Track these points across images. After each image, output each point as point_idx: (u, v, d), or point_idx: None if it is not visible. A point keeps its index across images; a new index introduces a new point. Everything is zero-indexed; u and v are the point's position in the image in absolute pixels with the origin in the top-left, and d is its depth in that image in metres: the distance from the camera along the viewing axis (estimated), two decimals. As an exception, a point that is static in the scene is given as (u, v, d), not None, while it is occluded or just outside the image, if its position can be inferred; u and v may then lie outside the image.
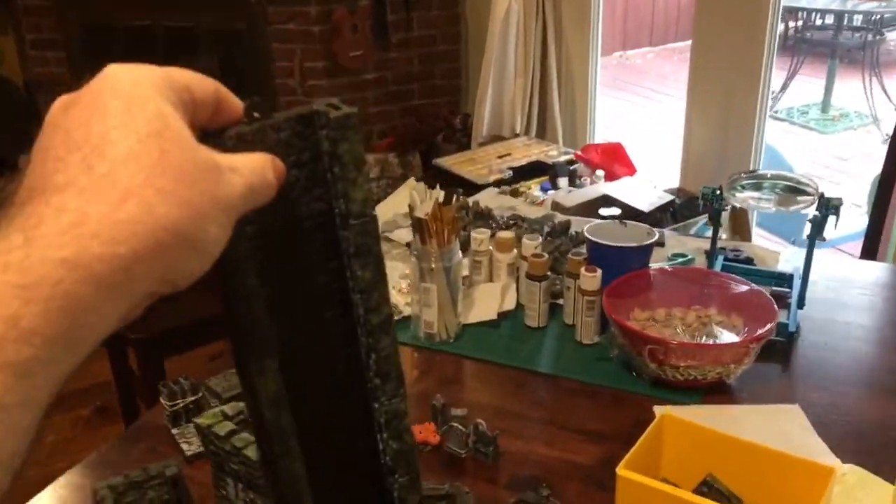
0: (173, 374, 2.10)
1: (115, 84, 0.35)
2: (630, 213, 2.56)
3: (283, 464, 0.48)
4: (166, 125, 0.35)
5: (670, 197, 2.69)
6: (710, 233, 2.52)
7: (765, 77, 2.70)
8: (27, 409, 0.31)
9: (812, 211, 1.17)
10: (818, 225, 1.17)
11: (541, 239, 1.27)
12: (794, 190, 1.16)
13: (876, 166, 4.29)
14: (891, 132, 4.75)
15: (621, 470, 0.82)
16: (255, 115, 0.42)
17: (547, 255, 1.23)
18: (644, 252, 1.21)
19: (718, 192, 1.19)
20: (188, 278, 0.36)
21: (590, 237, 1.21)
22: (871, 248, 1.64)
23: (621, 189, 2.68)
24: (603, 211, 2.53)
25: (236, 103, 0.42)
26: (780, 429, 1.02)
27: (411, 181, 1.70)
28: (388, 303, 0.48)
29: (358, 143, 0.44)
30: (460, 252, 1.20)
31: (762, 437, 1.00)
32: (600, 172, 2.88)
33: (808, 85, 5.31)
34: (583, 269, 1.17)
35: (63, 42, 3.74)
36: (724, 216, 2.67)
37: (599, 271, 1.16)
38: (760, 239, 3.00)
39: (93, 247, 0.32)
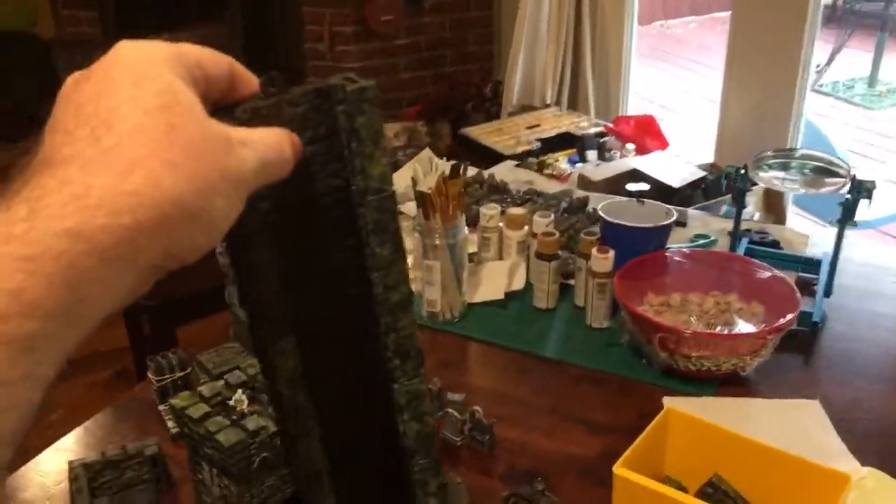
0: (186, 342, 2.08)
1: (126, 59, 0.35)
2: (659, 188, 2.48)
3: (301, 443, 0.48)
4: (175, 99, 0.35)
5: (702, 173, 2.59)
6: (746, 215, 2.44)
7: (806, 50, 2.58)
8: (30, 384, 0.31)
9: (843, 193, 1.09)
10: (849, 209, 1.09)
11: (553, 216, 1.21)
12: (824, 171, 1.08)
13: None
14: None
15: (618, 469, 0.77)
16: (272, 89, 0.42)
17: (558, 234, 1.17)
18: (661, 233, 1.14)
19: (743, 170, 1.12)
20: (195, 253, 0.35)
21: (603, 216, 1.14)
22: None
23: (651, 164, 2.59)
24: (630, 186, 2.44)
25: (251, 78, 0.42)
26: (797, 425, 0.96)
27: (426, 151, 1.64)
28: (407, 281, 0.48)
29: (375, 116, 0.44)
30: (466, 228, 1.14)
31: (778, 434, 0.94)
32: (630, 146, 2.79)
33: (855, 59, 5.12)
34: (594, 250, 1.11)
35: (95, 2, 3.71)
36: (756, 194, 2.59)
37: (612, 252, 1.10)
38: (796, 218, 2.89)
39: (97, 217, 0.31)
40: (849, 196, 1.09)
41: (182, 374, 1.03)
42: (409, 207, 1.46)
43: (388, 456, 0.51)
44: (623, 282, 1.08)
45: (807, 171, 1.08)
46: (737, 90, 2.82)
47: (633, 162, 2.63)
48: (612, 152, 2.80)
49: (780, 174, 1.07)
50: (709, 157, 2.96)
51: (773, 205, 2.55)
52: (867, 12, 5.18)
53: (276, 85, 0.42)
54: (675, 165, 2.63)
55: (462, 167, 1.12)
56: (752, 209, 2.51)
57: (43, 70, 2.99)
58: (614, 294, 1.08)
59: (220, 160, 0.35)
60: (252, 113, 0.41)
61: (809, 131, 2.79)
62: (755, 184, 1.12)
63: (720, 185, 2.56)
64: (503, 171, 1.58)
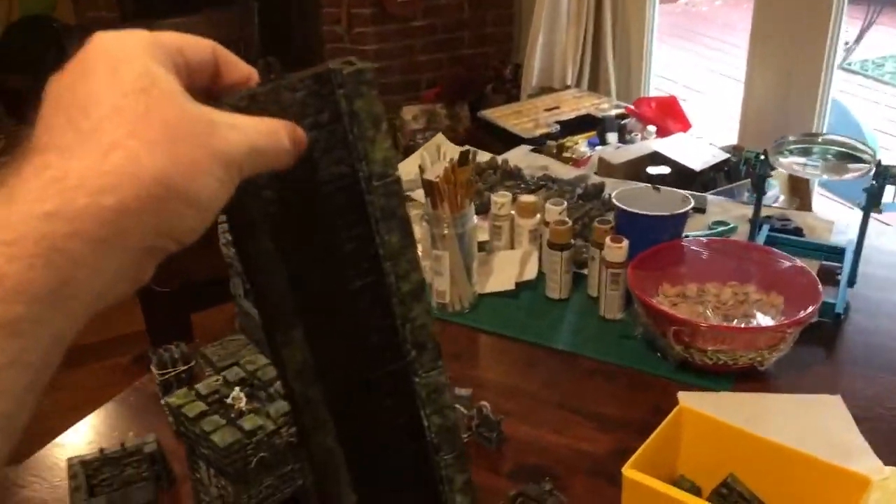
0: (200, 328, 2.08)
1: (103, 48, 0.35)
2: (680, 171, 2.43)
3: (315, 438, 0.47)
4: (153, 82, 0.34)
5: (725, 155, 2.54)
6: (771, 198, 2.38)
7: (834, 26, 2.50)
8: (20, 369, 0.31)
9: (868, 179, 1.05)
10: (874, 195, 1.05)
11: (566, 204, 1.18)
12: (847, 156, 1.04)
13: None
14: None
15: (627, 470, 0.74)
16: (270, 76, 0.41)
17: (570, 223, 1.13)
18: (677, 221, 1.11)
19: (763, 156, 1.07)
20: (189, 234, 0.35)
21: (617, 204, 1.11)
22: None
23: (672, 146, 2.54)
24: (651, 169, 2.40)
25: (237, 63, 0.41)
26: (817, 422, 0.92)
27: (439, 136, 1.61)
28: (419, 269, 0.46)
29: (374, 99, 0.43)
30: (475, 217, 1.11)
31: (797, 430, 0.91)
32: (652, 128, 2.74)
33: (885, 35, 4.99)
34: (608, 239, 1.07)
35: (113, -15, 3.70)
36: (780, 176, 2.52)
37: (626, 242, 1.07)
38: (822, 200, 2.83)
39: (77, 199, 0.31)
40: (874, 182, 1.05)
41: (185, 367, 1.01)
42: (419, 195, 1.43)
43: (412, 452, 0.50)
44: (637, 272, 1.04)
45: (829, 156, 1.03)
46: (761, 69, 2.75)
47: (654, 144, 2.57)
48: (632, 134, 2.75)
49: (802, 160, 1.03)
50: (733, 139, 2.90)
51: (798, 188, 2.48)
52: (898, -12, 5.04)
53: (273, 70, 0.42)
54: (697, 148, 2.57)
55: (471, 154, 1.09)
56: (777, 192, 2.46)
57: (59, 55, 2.99)
58: (628, 285, 1.04)
59: (204, 140, 0.34)
60: (249, 100, 0.40)
61: (837, 111, 2.72)
62: (774, 169, 1.08)
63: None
64: (518, 157, 1.55)
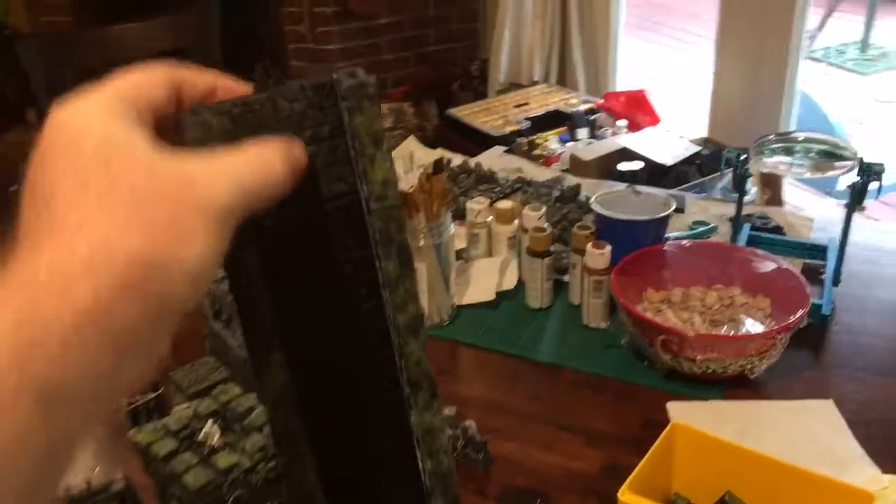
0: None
1: (59, 125, 0.33)
2: (652, 167, 2.42)
3: (293, 470, 0.45)
4: (114, 149, 0.32)
5: (696, 148, 2.53)
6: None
7: (799, 18, 2.50)
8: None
9: (851, 177, 1.03)
10: (858, 193, 1.03)
11: (545, 208, 1.14)
12: (829, 154, 1.01)
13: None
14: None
15: (623, 495, 0.71)
16: (269, 81, 0.40)
17: (550, 229, 1.10)
18: (659, 225, 1.08)
19: (744, 156, 1.05)
20: (188, 301, 0.32)
21: (597, 209, 1.08)
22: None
23: (644, 141, 2.52)
24: (623, 166, 2.38)
25: (200, 77, 0.39)
26: (809, 428, 0.90)
27: (410, 139, 1.57)
28: (417, 300, 0.44)
29: (375, 115, 0.41)
30: (452, 226, 1.08)
31: (791, 439, 0.89)
32: (622, 122, 2.72)
33: (846, 23, 5.04)
34: (589, 245, 1.04)
35: (67, -10, 3.61)
36: (755, 169, 2.52)
37: (608, 248, 1.04)
38: (794, 190, 2.83)
39: (48, 297, 0.28)
40: (858, 178, 1.03)
41: (154, 395, 0.96)
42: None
43: (402, 494, 0.47)
44: (621, 279, 1.01)
45: (812, 154, 1.01)
46: (729, 62, 2.74)
47: (625, 140, 2.56)
48: (603, 129, 2.73)
49: (786, 159, 1.01)
50: (702, 131, 2.89)
51: (769, 181, 2.48)
52: (857, -25, 5.09)
53: (271, 76, 0.40)
54: (668, 142, 2.56)
55: (446, 161, 1.05)
56: (749, 184, 2.45)
57: (10, 63, 2.90)
58: (611, 292, 1.01)
59: (181, 197, 0.32)
60: (242, 107, 0.38)
61: (803, 101, 2.72)
62: (757, 170, 1.05)
63: (717, 159, 2.50)
64: (491, 159, 1.51)
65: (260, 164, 0.35)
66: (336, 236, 0.42)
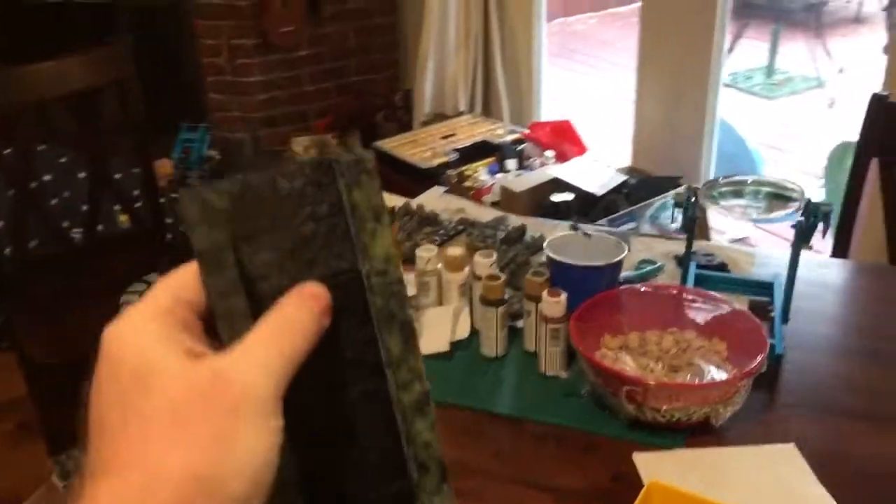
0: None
1: (105, 351, 0.35)
2: (583, 197, 2.44)
3: None
4: (148, 369, 0.33)
5: (623, 177, 2.56)
6: (669, 219, 2.41)
7: (718, 44, 2.57)
8: None
9: (797, 217, 1.04)
10: (803, 232, 1.04)
11: (495, 255, 1.12)
12: (777, 196, 1.03)
13: (824, 132, 4.24)
14: (834, 96, 4.71)
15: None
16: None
17: (503, 276, 1.08)
18: (613, 270, 1.07)
19: (693, 198, 1.05)
20: (253, 495, 0.33)
21: (551, 255, 1.06)
22: (843, 243, 1.52)
23: (572, 171, 2.54)
24: (555, 197, 2.40)
25: None
26: (776, 474, 0.90)
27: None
28: (423, 379, 0.42)
29: (375, 190, 0.41)
30: (404, 278, 1.04)
31: (758, 486, 0.88)
32: (550, 153, 2.74)
33: (752, 49, 5.24)
34: (545, 293, 1.03)
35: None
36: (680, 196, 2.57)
37: (564, 295, 1.02)
38: (714, 214, 2.90)
39: None
40: (801, 219, 1.04)
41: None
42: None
43: None
44: (579, 325, 1.00)
45: (761, 196, 1.02)
46: (650, 89, 2.80)
47: (554, 170, 2.58)
48: (531, 160, 2.74)
49: (741, 202, 1.02)
50: (626, 159, 2.94)
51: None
52: (761, 4, 5.31)
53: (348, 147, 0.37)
54: (596, 171, 2.59)
55: (394, 212, 1.02)
56: (671, 213, 2.49)
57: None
58: (571, 341, 1.00)
59: (219, 403, 0.33)
60: (242, 186, 0.39)
61: (722, 128, 2.79)
62: (706, 212, 1.06)
63: (644, 188, 2.54)
64: (432, 200, 1.49)
65: (289, 334, 0.36)
66: (337, 315, 0.40)
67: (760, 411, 0.99)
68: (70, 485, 0.89)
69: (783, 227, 3.10)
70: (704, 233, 2.40)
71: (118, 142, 2.23)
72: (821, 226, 1.03)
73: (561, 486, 0.90)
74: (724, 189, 1.04)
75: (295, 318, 0.37)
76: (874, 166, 1.53)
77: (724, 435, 0.96)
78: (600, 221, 2.33)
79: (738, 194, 1.03)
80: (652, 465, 0.91)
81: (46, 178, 2.92)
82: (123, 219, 2.60)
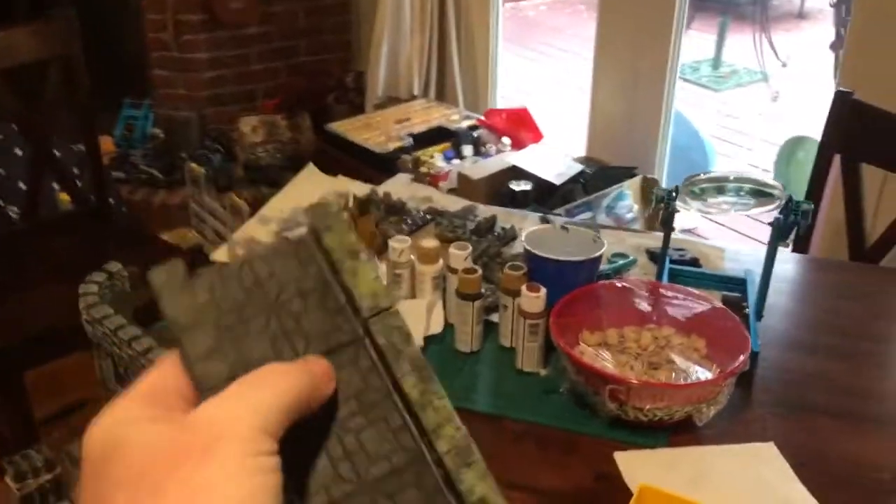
0: (36, 388, 1.83)
1: (84, 448, 0.34)
2: (541, 185, 2.43)
3: None
4: (115, 445, 0.32)
5: (580, 167, 2.56)
6: (625, 210, 2.41)
7: (675, 35, 2.58)
8: None
9: (775, 213, 1.04)
10: (781, 229, 1.04)
11: (470, 248, 1.09)
12: (758, 193, 1.02)
13: (769, 126, 4.32)
14: (778, 90, 4.80)
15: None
16: None
17: (479, 270, 1.05)
18: (592, 265, 1.05)
19: (674, 194, 1.04)
20: None
21: (530, 250, 1.04)
22: (804, 238, 1.53)
23: (530, 159, 2.53)
24: (513, 185, 2.38)
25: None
26: (757, 474, 0.89)
27: (310, 167, 1.49)
28: (454, 418, 0.38)
29: (344, 229, 0.40)
30: (379, 267, 1.01)
31: (740, 486, 0.88)
32: (506, 140, 2.72)
33: (698, 41, 5.30)
34: (524, 288, 1.00)
35: None
36: (632, 187, 2.58)
37: (543, 290, 1.00)
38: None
39: None
40: (780, 216, 1.04)
41: (49, 476, 0.84)
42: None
43: None
44: (559, 321, 0.98)
45: (743, 192, 1.01)
46: (607, 78, 2.79)
47: (511, 158, 2.56)
48: (487, 146, 2.72)
49: (728, 199, 1.01)
50: (581, 147, 2.94)
51: (649, 197, 2.54)
52: (709, -4, 5.37)
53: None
54: (553, 159, 2.58)
55: (373, 202, 0.98)
56: (630, 202, 2.51)
57: None
58: (551, 337, 0.97)
59: (185, 452, 0.31)
60: (217, 275, 0.37)
61: (676, 119, 2.81)
62: (683, 209, 1.05)
63: (600, 177, 2.54)
64: (398, 188, 1.45)
65: (274, 376, 0.35)
66: (342, 393, 0.38)
67: (739, 410, 0.99)
68: (26, 486, 0.83)
69: (735, 217, 3.14)
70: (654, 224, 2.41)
71: (60, 118, 2.13)
72: (800, 223, 1.02)
73: (543, 487, 0.88)
74: (705, 185, 1.02)
75: (283, 368, 0.35)
76: (836, 162, 1.54)
77: (705, 433, 0.95)
78: (557, 210, 2.32)
79: (721, 190, 1.02)
80: (634, 465, 0.90)
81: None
82: (64, 198, 2.50)
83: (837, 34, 4.02)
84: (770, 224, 1.05)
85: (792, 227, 1.01)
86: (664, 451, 0.92)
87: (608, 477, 0.89)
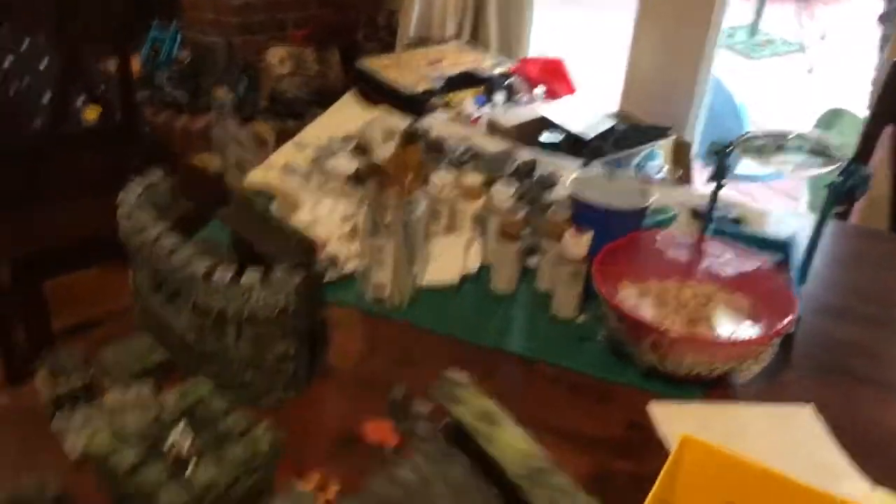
0: (55, 297, 1.82)
1: None
2: (571, 138, 2.38)
3: None
4: None
5: (611, 122, 2.51)
6: (655, 169, 2.37)
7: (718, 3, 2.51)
8: None
9: (832, 176, 1.01)
10: (837, 194, 1.01)
11: (515, 187, 1.07)
12: (819, 153, 0.99)
13: (802, 97, 4.23)
14: (814, 63, 4.70)
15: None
16: None
17: (524, 211, 1.03)
18: (640, 215, 1.03)
19: (730, 149, 1.01)
20: None
21: (578, 196, 1.01)
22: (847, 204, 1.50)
23: (561, 111, 2.48)
24: (544, 137, 2.34)
25: None
26: (793, 437, 0.88)
27: (347, 97, 1.45)
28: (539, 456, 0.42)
29: (475, 395, 0.47)
30: (424, 203, 0.99)
31: (778, 448, 0.86)
32: (540, 89, 2.67)
33: (737, 6, 5.17)
34: (568, 233, 0.98)
35: None
36: (665, 147, 2.54)
37: (588, 235, 0.97)
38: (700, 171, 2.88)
39: None
40: (838, 179, 1.00)
41: (81, 385, 0.82)
42: (337, 164, 1.27)
43: None
44: (601, 268, 0.96)
45: (805, 152, 0.98)
46: (648, 38, 2.73)
47: (543, 109, 2.51)
48: (519, 95, 2.67)
49: (794, 158, 0.97)
50: (613, 103, 2.88)
51: (680, 160, 2.50)
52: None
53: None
54: (585, 114, 2.53)
55: (420, 133, 0.95)
56: (661, 162, 2.46)
57: None
58: (594, 285, 0.95)
59: None
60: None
61: (712, 83, 2.75)
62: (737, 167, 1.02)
63: (632, 135, 2.49)
64: (436, 125, 1.42)
65: None
66: None
67: (777, 371, 0.97)
68: (59, 384, 0.82)
69: (758, 186, 3.09)
70: (687, 176, 2.38)
71: (93, 30, 2.09)
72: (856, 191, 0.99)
73: (577, 433, 0.87)
74: (762, 143, 0.99)
75: None
76: (884, 133, 1.50)
77: (741, 392, 0.93)
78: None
79: (781, 149, 0.99)
80: (668, 417, 0.88)
81: (6, 63, 2.74)
82: (89, 115, 2.46)
83: (888, 6, 3.91)
84: (827, 187, 1.02)
85: (849, 191, 0.98)
86: (700, 406, 0.91)
87: (641, 427, 0.88)
